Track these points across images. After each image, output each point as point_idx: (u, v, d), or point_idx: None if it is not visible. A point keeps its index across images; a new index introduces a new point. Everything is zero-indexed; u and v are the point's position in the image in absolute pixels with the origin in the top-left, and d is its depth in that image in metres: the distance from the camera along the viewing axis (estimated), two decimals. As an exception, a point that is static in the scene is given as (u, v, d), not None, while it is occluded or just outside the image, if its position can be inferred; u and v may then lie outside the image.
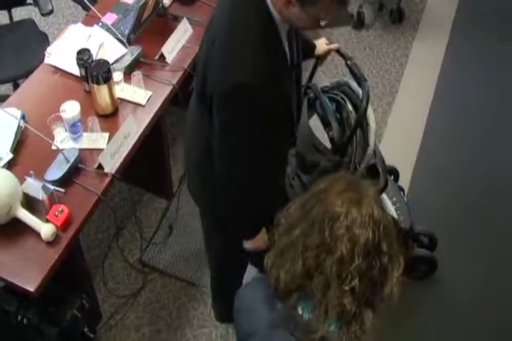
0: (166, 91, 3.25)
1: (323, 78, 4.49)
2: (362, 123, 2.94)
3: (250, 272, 3.30)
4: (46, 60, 3.28)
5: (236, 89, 2.09)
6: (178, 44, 3.40)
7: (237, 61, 2.11)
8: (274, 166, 2.42)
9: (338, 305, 1.62)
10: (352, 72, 3.00)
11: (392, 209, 3.49)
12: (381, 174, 3.03)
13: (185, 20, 3.46)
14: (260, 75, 2.08)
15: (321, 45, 3.02)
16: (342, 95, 3.13)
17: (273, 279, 1.73)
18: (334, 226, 1.60)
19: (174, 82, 3.28)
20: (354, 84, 3.08)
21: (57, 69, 3.26)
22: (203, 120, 2.35)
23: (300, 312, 1.71)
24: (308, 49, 2.92)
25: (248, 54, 2.10)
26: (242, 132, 2.20)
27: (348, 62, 3.00)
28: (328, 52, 3.05)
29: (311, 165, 3.06)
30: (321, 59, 3.08)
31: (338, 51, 3.06)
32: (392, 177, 3.77)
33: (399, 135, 4.54)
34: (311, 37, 2.99)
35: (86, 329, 3.01)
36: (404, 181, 4.11)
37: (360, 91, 3.00)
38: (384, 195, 3.40)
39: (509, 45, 5.23)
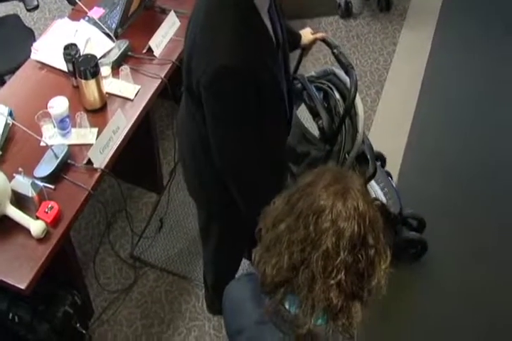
0: (154, 84, 3.24)
1: (311, 68, 4.48)
2: (351, 111, 2.93)
3: (243, 265, 3.30)
4: (33, 56, 3.26)
5: (220, 74, 2.06)
6: (165, 37, 3.38)
7: (218, 45, 2.08)
8: (274, 158, 2.40)
9: (325, 299, 1.61)
10: (339, 61, 2.99)
11: (381, 194, 3.53)
12: (370, 161, 3.05)
13: (172, 12, 3.44)
14: (243, 57, 2.06)
15: (307, 34, 3.01)
16: (329, 84, 3.13)
17: (260, 274, 1.72)
18: (319, 221, 1.59)
19: (162, 75, 3.26)
20: (340, 73, 3.08)
21: (44, 65, 3.24)
22: (194, 116, 2.34)
23: (287, 307, 1.71)
24: (294, 40, 2.91)
25: (227, 36, 2.07)
26: (232, 118, 2.17)
27: (335, 50, 2.99)
28: (313, 42, 3.04)
29: (302, 155, 3.06)
30: (306, 49, 3.06)
31: (323, 40, 3.05)
32: (379, 162, 3.78)
33: (388, 123, 4.56)
34: (298, 27, 3.00)
35: (78, 325, 3.01)
36: (394, 168, 4.14)
37: (347, 79, 3.00)
38: (372, 181, 3.42)
39: (496, 32, 5.24)
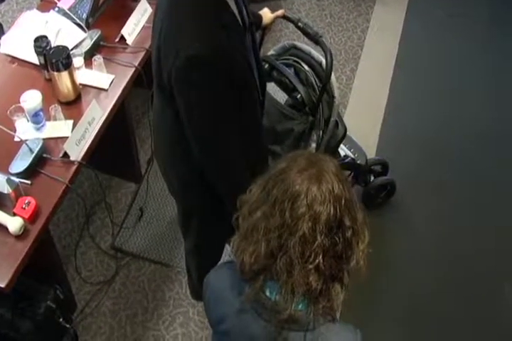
0: (128, 73, 3.21)
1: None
2: (330, 77, 2.94)
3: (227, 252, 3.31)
4: (2, 50, 3.21)
5: (190, 64, 2.04)
6: (138, 25, 3.35)
7: (185, 33, 2.06)
8: (252, 144, 2.39)
9: (304, 284, 1.63)
10: (306, 33, 2.99)
11: (349, 152, 3.67)
12: (340, 124, 3.15)
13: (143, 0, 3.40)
14: (211, 44, 2.04)
15: (266, 14, 2.99)
16: (294, 58, 3.16)
17: (239, 262, 1.73)
18: (294, 206, 1.60)
19: (136, 63, 3.23)
20: (301, 44, 3.09)
21: (14, 59, 3.19)
22: (167, 110, 2.32)
23: (267, 294, 1.72)
24: (256, 21, 2.88)
25: (193, 23, 2.05)
26: (206, 107, 2.15)
27: (299, 24, 2.99)
28: (273, 21, 3.03)
29: (282, 134, 3.07)
30: (267, 28, 3.04)
31: (284, 17, 3.05)
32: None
33: (364, 100, 4.61)
34: (272, 9, 3.00)
35: (61, 320, 2.99)
36: (372, 144, 4.23)
37: (310, 48, 3.06)
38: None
39: (468, 7, 5.32)
